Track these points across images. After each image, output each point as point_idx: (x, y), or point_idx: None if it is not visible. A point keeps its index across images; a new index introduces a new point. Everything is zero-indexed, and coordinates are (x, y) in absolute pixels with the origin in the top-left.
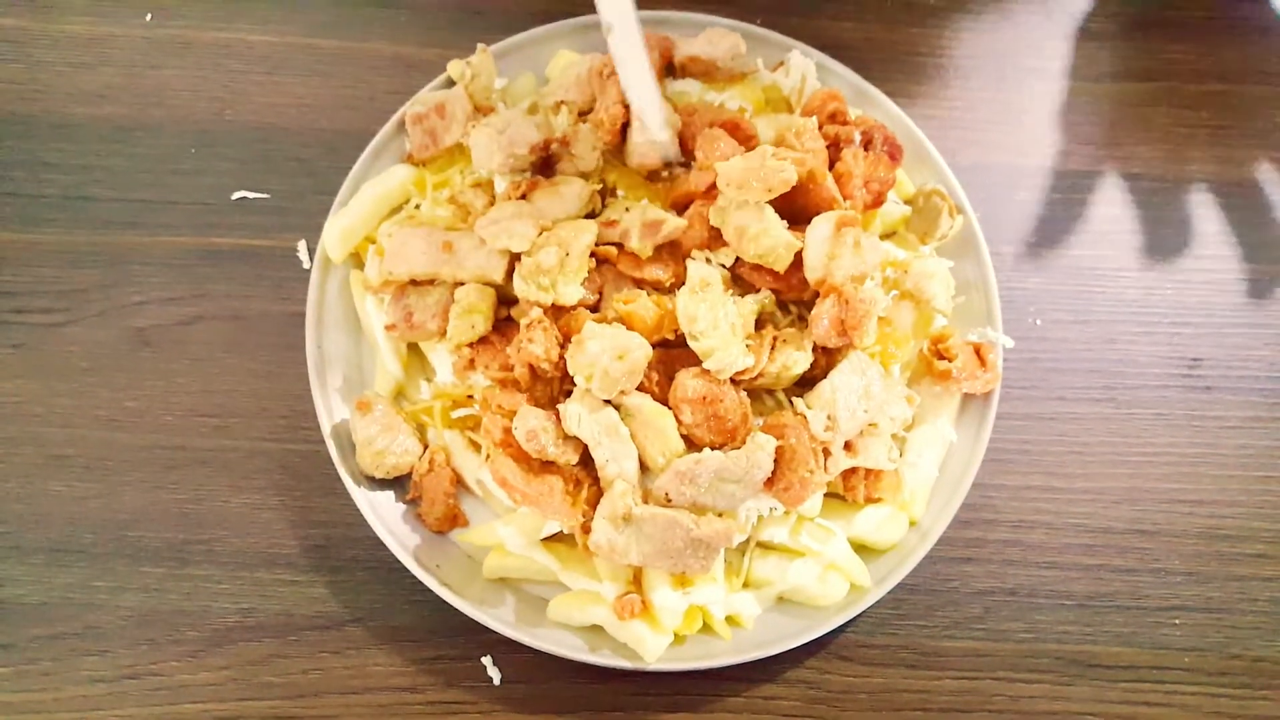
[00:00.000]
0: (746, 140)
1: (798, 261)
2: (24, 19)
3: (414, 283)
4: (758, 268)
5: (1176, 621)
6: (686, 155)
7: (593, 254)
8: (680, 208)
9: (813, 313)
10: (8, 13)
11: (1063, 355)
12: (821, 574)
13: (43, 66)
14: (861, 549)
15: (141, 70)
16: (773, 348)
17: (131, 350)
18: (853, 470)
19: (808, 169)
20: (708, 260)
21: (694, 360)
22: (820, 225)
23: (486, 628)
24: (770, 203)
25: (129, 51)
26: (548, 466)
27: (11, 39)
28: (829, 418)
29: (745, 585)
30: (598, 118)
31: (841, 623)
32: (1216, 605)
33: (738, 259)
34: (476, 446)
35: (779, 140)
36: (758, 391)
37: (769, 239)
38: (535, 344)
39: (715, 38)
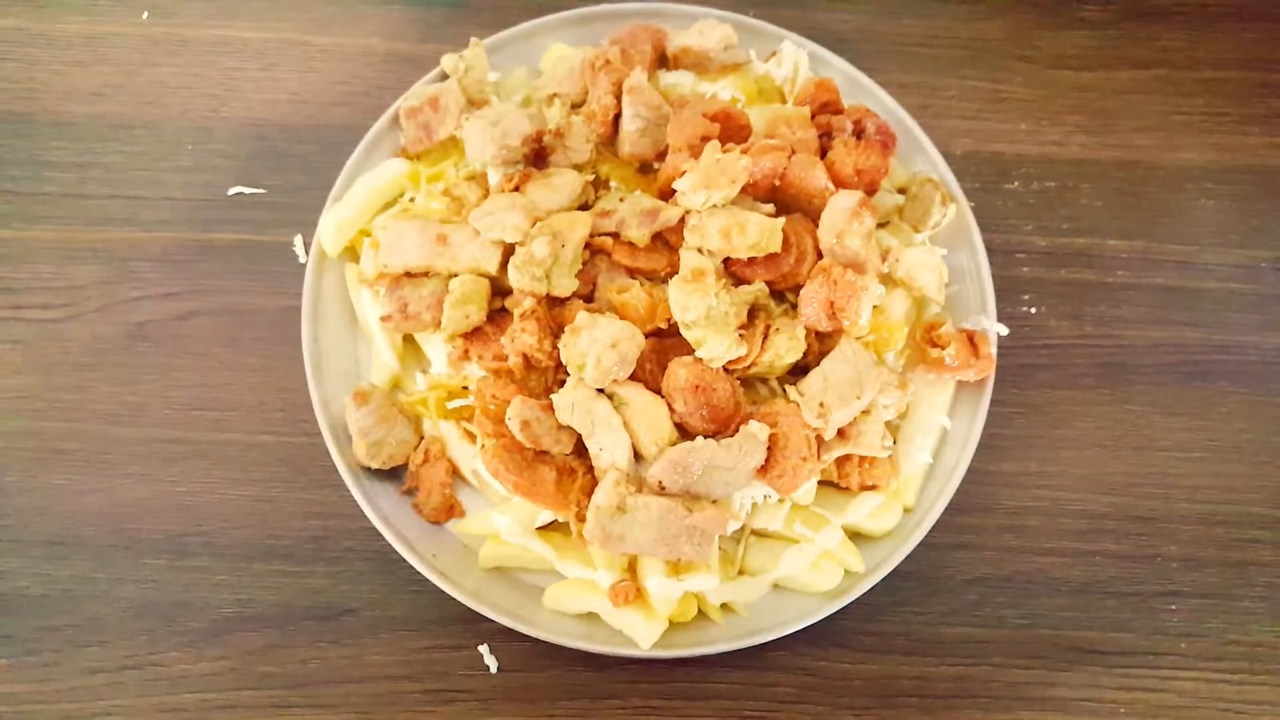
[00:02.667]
0: (739, 130)
1: (788, 245)
2: (22, 18)
3: (409, 275)
4: (751, 262)
5: (1173, 607)
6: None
7: (588, 244)
8: (665, 196)
9: (801, 293)
10: (5, 12)
11: (1057, 342)
12: (816, 561)
13: (40, 65)
14: (856, 536)
15: (138, 68)
16: (765, 336)
17: (130, 345)
18: (847, 458)
19: (794, 155)
20: (700, 251)
21: (687, 349)
22: (845, 196)
23: (483, 617)
24: (760, 197)
25: (126, 50)
26: (541, 456)
27: (9, 38)
28: (821, 405)
29: (740, 573)
30: (590, 110)
31: (836, 610)
32: (1213, 591)
33: (727, 258)
34: (472, 437)
35: (771, 130)
36: (751, 380)
37: (754, 227)
38: (529, 334)
39: (707, 29)
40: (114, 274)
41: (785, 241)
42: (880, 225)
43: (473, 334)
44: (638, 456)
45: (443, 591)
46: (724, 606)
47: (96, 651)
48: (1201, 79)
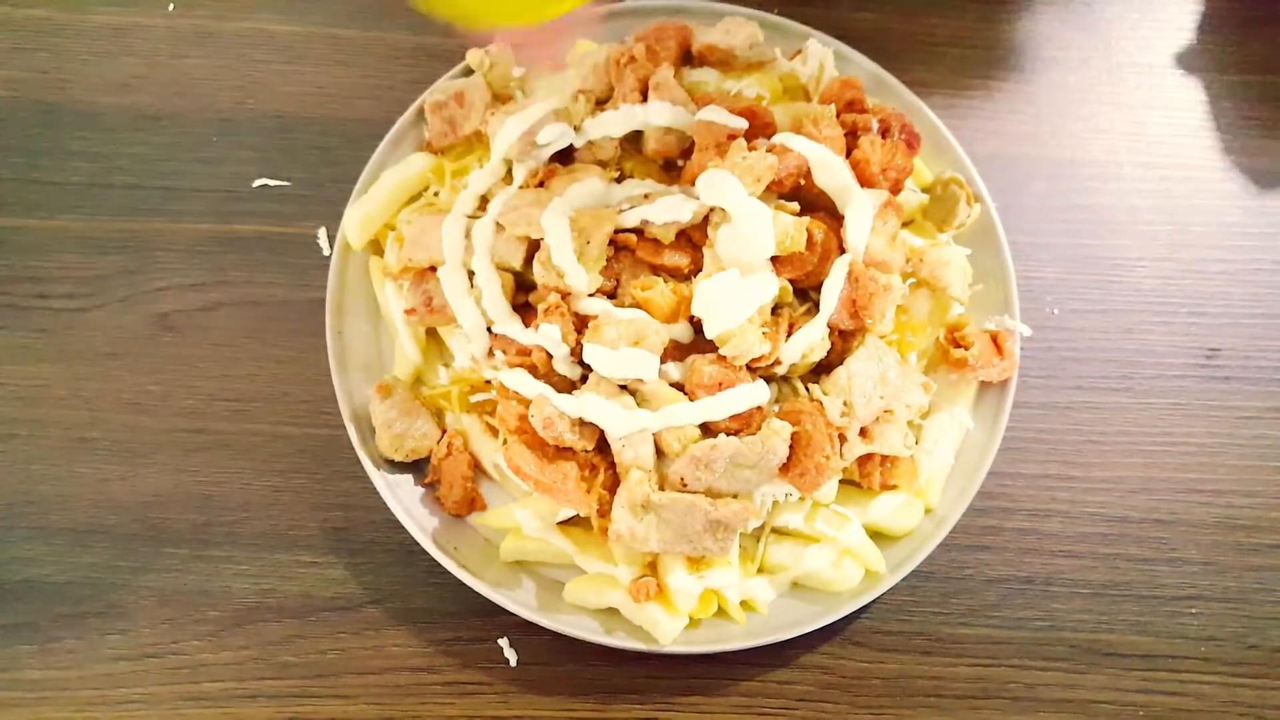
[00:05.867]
0: (764, 128)
1: (811, 243)
2: (51, 9)
3: (433, 269)
4: (774, 259)
5: (1193, 611)
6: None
7: (612, 241)
8: None
9: (823, 290)
10: (36, 3)
11: (1080, 344)
12: (836, 560)
13: (68, 56)
14: (877, 535)
15: (165, 59)
16: (789, 334)
17: (154, 335)
18: (868, 457)
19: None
20: None
21: (710, 346)
22: (870, 195)
23: (503, 610)
24: (784, 195)
25: (152, 41)
26: (563, 453)
27: (38, 29)
28: (845, 404)
29: (760, 570)
30: (616, 106)
31: (856, 608)
32: (1233, 595)
33: None
34: (494, 431)
35: (796, 128)
36: (773, 378)
37: (779, 225)
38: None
39: (733, 26)
40: (139, 264)
41: (809, 240)
42: (905, 224)
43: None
44: (660, 453)
45: (463, 584)
46: (743, 604)
47: (119, 639)
48: (1230, 82)
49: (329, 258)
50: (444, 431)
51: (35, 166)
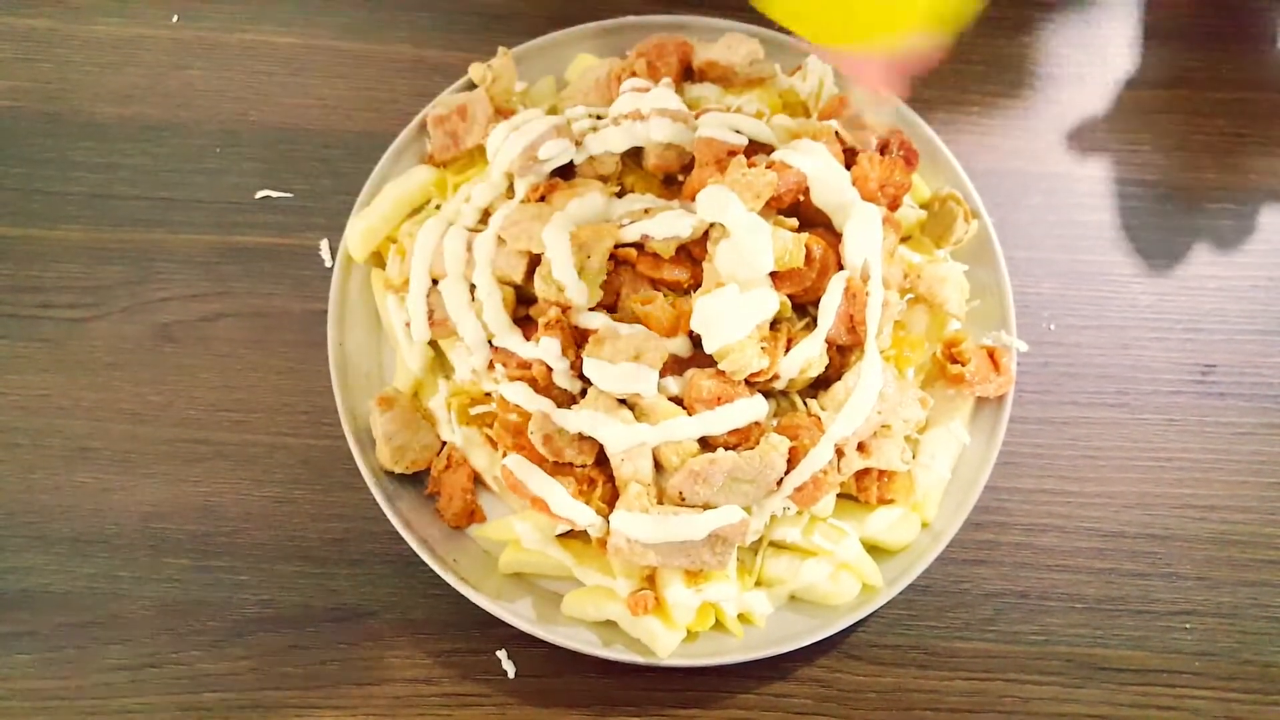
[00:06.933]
0: (764, 145)
1: (810, 259)
2: (54, 20)
3: (435, 282)
4: (773, 275)
5: (1187, 626)
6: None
7: (612, 255)
8: None
9: (820, 305)
10: (38, 14)
11: (1076, 360)
12: (834, 573)
13: (71, 67)
14: (874, 549)
15: (167, 71)
16: (787, 349)
17: (155, 345)
18: (865, 471)
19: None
20: None
21: (709, 361)
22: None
23: (502, 622)
24: (783, 211)
25: (155, 52)
26: (562, 468)
27: (42, 39)
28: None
29: (758, 584)
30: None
31: (853, 622)
32: (1228, 610)
33: None
34: (494, 443)
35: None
36: (771, 392)
37: (778, 241)
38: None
39: (734, 43)
40: (140, 275)
41: (808, 255)
42: (902, 240)
43: None
44: (659, 467)
45: (462, 596)
46: (741, 617)
47: (119, 649)
48: (1223, 99)
49: (331, 269)
50: (444, 444)
51: (38, 176)
